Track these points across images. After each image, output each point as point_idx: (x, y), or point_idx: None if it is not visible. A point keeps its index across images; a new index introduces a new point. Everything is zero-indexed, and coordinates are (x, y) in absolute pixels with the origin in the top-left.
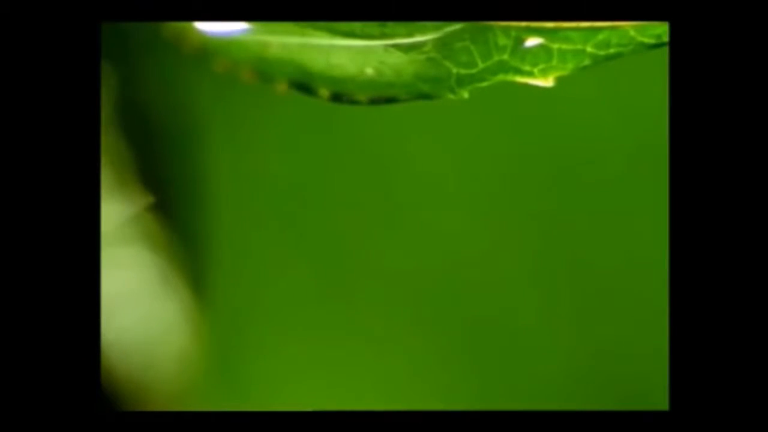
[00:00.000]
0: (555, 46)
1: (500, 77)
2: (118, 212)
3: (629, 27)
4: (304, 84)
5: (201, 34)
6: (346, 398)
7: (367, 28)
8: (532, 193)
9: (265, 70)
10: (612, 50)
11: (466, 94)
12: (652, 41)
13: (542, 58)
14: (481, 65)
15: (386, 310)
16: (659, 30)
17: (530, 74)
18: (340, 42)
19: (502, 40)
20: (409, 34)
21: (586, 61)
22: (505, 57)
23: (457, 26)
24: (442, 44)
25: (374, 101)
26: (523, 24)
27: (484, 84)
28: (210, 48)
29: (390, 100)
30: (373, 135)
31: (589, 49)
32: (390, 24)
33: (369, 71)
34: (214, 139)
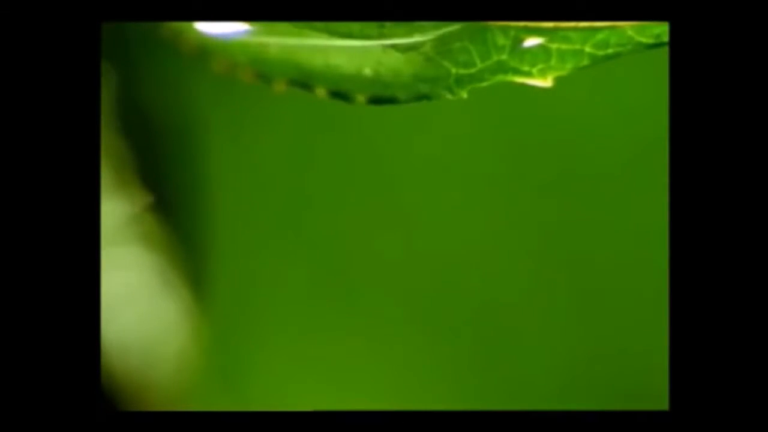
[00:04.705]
0: (554, 46)
1: (499, 77)
2: (118, 212)
3: (628, 27)
4: (302, 84)
5: (200, 35)
6: (346, 398)
7: (365, 29)
8: (531, 192)
9: (263, 70)
10: (611, 50)
11: (465, 94)
12: (651, 41)
13: (541, 58)
14: (479, 65)
15: (386, 310)
16: (658, 30)
17: (529, 74)
18: (339, 43)
19: (501, 40)
20: (408, 35)
21: (585, 61)
22: (504, 57)
23: (455, 26)
24: (440, 44)
25: (374, 101)
26: (522, 24)
27: (483, 84)
28: (209, 48)
29: (390, 100)
30: (372, 135)
31: (587, 49)
32: (388, 25)
33: (367, 71)
34: (214, 139)
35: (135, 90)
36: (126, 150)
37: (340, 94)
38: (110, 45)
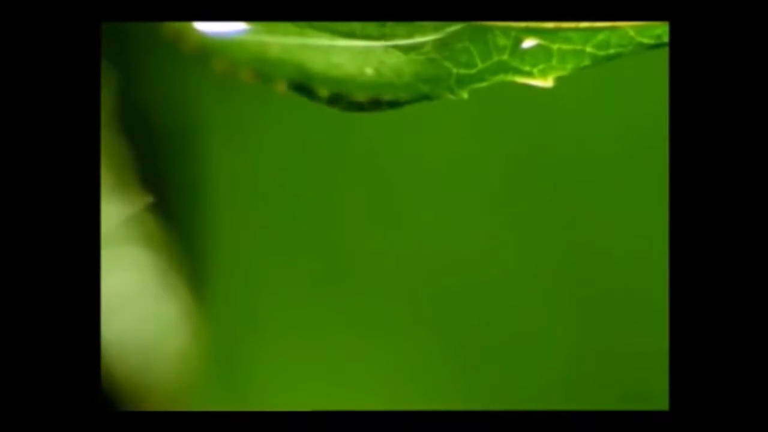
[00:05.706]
0: (555, 46)
1: (500, 77)
2: (118, 212)
3: (629, 27)
4: (303, 84)
5: (200, 34)
6: (346, 398)
7: (367, 28)
8: (532, 193)
9: (264, 70)
10: (612, 51)
11: (465, 95)
12: (652, 41)
13: (542, 59)
14: (480, 65)
15: (387, 311)
16: (659, 30)
17: (530, 75)
18: (340, 42)
19: (502, 41)
20: (409, 35)
21: (586, 62)
22: (505, 57)
23: (456, 26)
24: (441, 45)
25: (374, 103)
26: (523, 24)
27: (484, 84)
28: (210, 48)
29: (391, 104)
30: (373, 135)
31: (588, 49)
32: (390, 24)
33: (369, 72)
34: (214, 139)
35: (135, 90)
36: (126, 150)
37: (340, 100)
38: (110, 45)
